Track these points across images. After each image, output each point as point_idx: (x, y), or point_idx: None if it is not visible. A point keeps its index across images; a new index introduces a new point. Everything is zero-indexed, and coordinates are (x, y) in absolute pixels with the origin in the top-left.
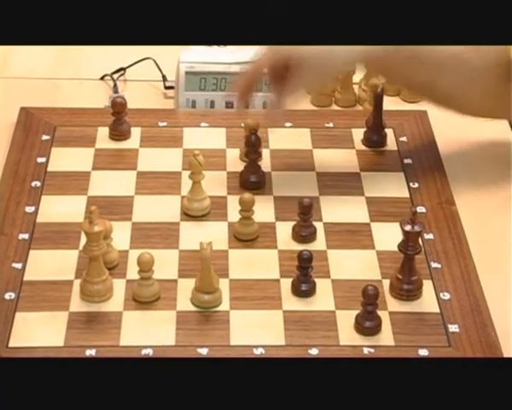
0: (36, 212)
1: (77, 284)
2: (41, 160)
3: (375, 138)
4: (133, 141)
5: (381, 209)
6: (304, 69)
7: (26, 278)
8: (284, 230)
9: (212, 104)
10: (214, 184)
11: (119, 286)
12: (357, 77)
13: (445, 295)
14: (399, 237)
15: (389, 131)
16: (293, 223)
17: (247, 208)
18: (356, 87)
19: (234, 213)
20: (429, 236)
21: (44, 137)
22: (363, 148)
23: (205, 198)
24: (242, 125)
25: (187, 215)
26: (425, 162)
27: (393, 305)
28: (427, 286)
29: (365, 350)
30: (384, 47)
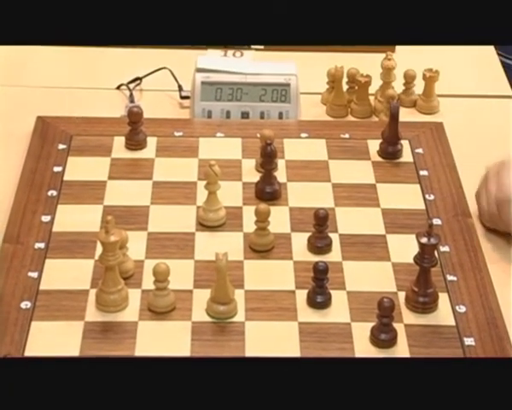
0: (52, 221)
1: (92, 293)
2: (57, 169)
3: (390, 150)
4: (149, 151)
5: (396, 221)
6: None
7: (42, 287)
8: (300, 241)
9: (228, 114)
10: (230, 194)
11: (134, 296)
12: (373, 88)
13: (461, 308)
14: (415, 249)
15: (405, 143)
16: (308, 234)
17: (262, 219)
18: (372, 98)
19: (249, 224)
20: (445, 248)
21: (61, 147)
22: (379, 159)
23: (220, 208)
24: (258, 135)
25: (202, 226)
26: (441, 174)
27: (409, 317)
28: (443, 299)
29: None
30: None
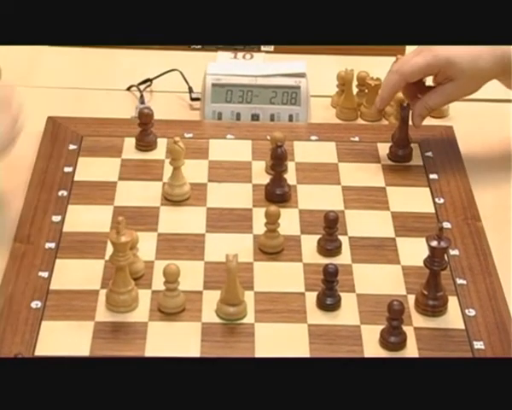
0: (62, 221)
1: (103, 293)
2: (68, 169)
3: (400, 153)
4: (159, 152)
5: (406, 224)
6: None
7: (53, 287)
8: (309, 243)
9: (238, 116)
10: (239, 196)
11: (144, 297)
12: None
13: (471, 312)
14: (424, 253)
15: (415, 146)
16: (318, 236)
17: (272, 221)
18: None
19: (259, 226)
20: (455, 252)
21: (71, 147)
22: (389, 162)
23: (185, 183)
24: (268, 137)
25: (167, 200)
26: (451, 178)
27: (418, 320)
28: (453, 302)
29: None
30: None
